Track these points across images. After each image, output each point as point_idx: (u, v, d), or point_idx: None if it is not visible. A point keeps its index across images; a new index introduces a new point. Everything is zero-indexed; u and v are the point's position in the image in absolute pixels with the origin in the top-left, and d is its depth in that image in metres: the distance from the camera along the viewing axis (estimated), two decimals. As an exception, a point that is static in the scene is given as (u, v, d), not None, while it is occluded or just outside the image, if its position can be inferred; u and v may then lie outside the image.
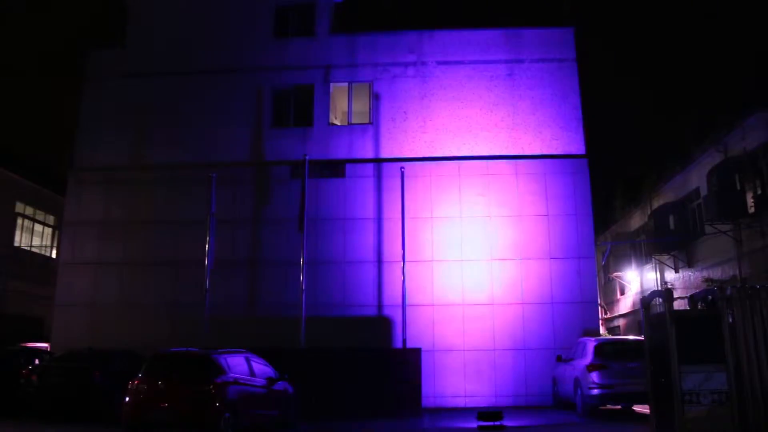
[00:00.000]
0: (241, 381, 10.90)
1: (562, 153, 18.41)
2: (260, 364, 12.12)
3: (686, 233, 21.36)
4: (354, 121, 19.42)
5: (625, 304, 27.98)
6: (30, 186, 25.85)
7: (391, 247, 17.50)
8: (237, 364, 11.17)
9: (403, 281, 15.96)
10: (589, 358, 13.74)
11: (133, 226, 18.59)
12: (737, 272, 17.83)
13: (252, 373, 11.52)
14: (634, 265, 26.40)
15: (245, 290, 17.92)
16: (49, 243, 27.40)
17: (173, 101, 19.51)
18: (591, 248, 17.99)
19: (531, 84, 18.95)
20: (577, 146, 18.46)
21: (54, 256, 26.40)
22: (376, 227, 18.10)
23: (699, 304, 10.02)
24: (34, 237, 26.61)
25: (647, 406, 10.55)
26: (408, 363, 14.91)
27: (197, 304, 16.17)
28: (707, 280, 19.07)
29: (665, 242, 21.91)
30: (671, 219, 21.84)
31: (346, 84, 19.60)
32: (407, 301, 15.97)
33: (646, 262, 24.89)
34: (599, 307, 22.20)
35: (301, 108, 19.47)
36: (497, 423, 12.06)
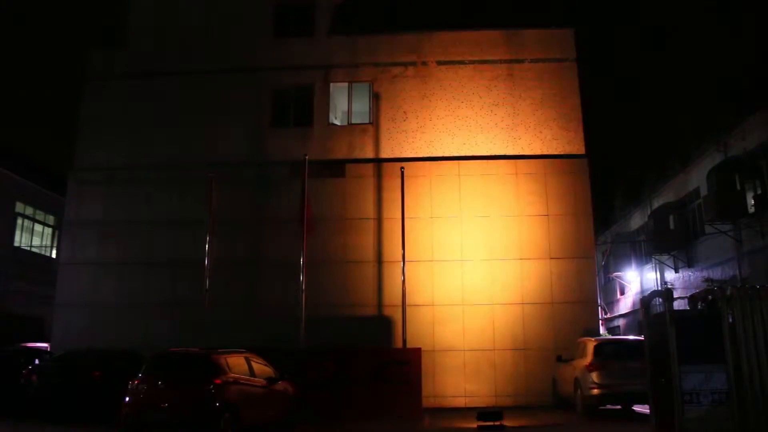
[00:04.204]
0: (241, 381, 10.90)
1: (562, 153, 18.40)
2: (260, 364, 12.10)
3: (686, 233, 21.38)
4: (354, 121, 19.42)
5: (625, 304, 27.99)
6: (30, 186, 25.87)
7: (391, 247, 17.48)
8: (237, 364, 11.16)
9: (403, 281, 15.94)
10: (589, 358, 13.75)
11: (133, 226, 18.58)
12: (737, 272, 17.84)
13: (252, 373, 11.51)
14: (634, 265, 26.41)
15: (245, 290, 17.90)
16: (49, 243, 27.42)
17: (173, 101, 19.50)
18: (591, 248, 18.00)
19: (531, 84, 18.94)
20: (577, 146, 18.46)
21: (54, 256, 26.40)
22: (376, 227, 18.10)
23: (699, 304, 10.00)
24: (34, 237, 26.63)
25: (647, 406, 10.54)
26: (408, 363, 14.87)
27: (197, 304, 16.15)
28: (707, 280, 19.09)
29: (665, 242, 21.93)
30: (671, 219, 21.87)
31: (346, 84, 19.59)
32: (407, 301, 15.94)
33: (646, 262, 24.91)
34: (599, 307, 22.22)
35: (301, 108, 19.46)
36: (497, 423, 12.06)
